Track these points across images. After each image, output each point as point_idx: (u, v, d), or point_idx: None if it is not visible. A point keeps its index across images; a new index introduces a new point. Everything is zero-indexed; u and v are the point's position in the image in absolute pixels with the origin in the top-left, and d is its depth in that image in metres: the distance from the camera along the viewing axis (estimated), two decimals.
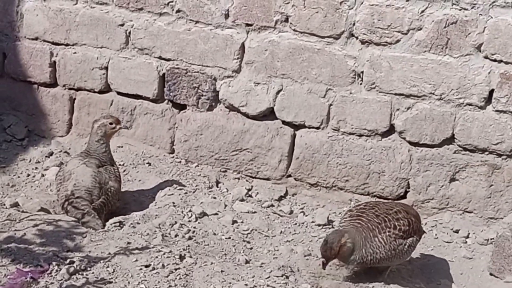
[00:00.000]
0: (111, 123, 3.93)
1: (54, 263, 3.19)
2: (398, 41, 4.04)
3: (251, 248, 3.74)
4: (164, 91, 4.48)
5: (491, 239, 3.92)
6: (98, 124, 3.92)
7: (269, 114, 4.35)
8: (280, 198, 4.32)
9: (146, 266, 3.26)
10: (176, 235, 3.62)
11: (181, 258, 3.39)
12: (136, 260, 3.29)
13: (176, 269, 3.28)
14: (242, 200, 4.20)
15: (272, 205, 4.22)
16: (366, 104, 4.16)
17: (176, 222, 3.74)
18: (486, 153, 4.04)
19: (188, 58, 4.38)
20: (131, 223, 3.66)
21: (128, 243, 3.44)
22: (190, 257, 3.42)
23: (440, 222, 4.13)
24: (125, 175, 4.31)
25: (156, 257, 3.34)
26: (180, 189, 4.16)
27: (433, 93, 4.04)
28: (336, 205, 4.28)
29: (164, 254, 3.37)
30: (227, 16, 4.26)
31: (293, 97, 4.26)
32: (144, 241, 3.47)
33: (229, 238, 3.77)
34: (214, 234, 3.78)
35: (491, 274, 3.69)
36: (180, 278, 3.23)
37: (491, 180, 4.05)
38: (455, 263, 3.88)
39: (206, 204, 4.05)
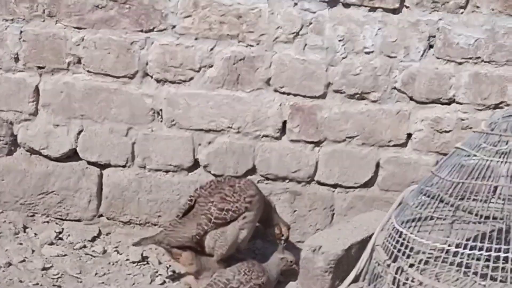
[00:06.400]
0: None
1: None
2: (191, 78, 4.09)
3: None
4: None
5: None
6: None
7: (73, 155, 4.29)
8: (93, 239, 4.25)
9: None
10: None
11: None
12: None
13: None
14: (52, 243, 4.11)
15: (85, 246, 4.16)
16: (168, 140, 4.18)
17: None
18: (287, 181, 4.17)
19: None
20: None
21: None
22: None
23: None
24: None
25: None
26: None
27: (231, 127, 4.12)
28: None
29: None
30: (17, 59, 4.18)
31: (95, 137, 4.22)
32: None
33: (37, 284, 3.67)
34: (21, 281, 3.67)
35: None
36: None
37: (294, 206, 4.19)
38: None
39: (12, 251, 3.93)
